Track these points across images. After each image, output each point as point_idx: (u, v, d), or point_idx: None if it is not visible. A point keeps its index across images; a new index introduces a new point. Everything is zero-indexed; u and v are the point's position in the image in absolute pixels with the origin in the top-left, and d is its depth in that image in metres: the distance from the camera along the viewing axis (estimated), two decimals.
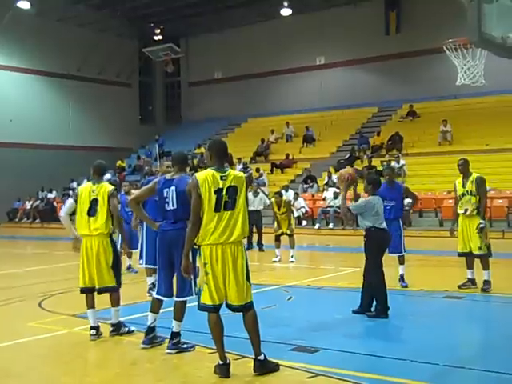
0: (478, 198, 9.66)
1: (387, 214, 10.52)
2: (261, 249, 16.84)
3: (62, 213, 8.01)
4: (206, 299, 5.71)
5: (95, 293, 7.31)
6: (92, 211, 7.25)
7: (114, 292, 7.31)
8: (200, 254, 5.73)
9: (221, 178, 5.68)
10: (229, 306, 5.76)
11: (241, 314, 5.79)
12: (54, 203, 33.42)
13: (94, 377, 6.09)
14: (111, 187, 7.35)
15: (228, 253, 5.65)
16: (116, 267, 7.28)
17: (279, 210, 14.52)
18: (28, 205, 33.82)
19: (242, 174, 5.96)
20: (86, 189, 7.44)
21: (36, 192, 34.35)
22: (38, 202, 33.68)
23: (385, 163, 25.99)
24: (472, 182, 9.72)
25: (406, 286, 10.33)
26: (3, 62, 34.45)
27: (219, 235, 5.62)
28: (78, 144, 36.53)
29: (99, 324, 7.31)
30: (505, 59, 7.65)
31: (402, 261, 10.51)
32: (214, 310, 5.72)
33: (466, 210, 9.72)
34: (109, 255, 7.22)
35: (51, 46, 34.95)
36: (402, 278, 10.48)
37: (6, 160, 33.15)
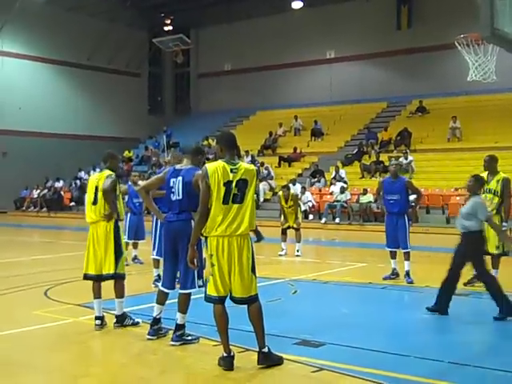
0: (500, 198, 9.53)
1: (391, 207, 10.52)
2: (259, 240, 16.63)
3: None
4: (211, 290, 5.72)
5: (101, 282, 7.31)
6: (95, 200, 7.31)
7: (117, 281, 7.29)
8: (206, 246, 5.73)
9: (231, 170, 5.66)
10: (232, 299, 5.76)
11: (245, 306, 5.78)
12: (61, 192, 33.51)
13: (99, 366, 6.11)
14: (109, 172, 7.36)
15: (234, 245, 5.64)
16: (116, 256, 7.21)
17: (286, 203, 14.50)
18: (35, 193, 33.91)
19: (253, 166, 5.95)
20: (91, 178, 7.64)
21: (44, 182, 34.40)
22: (45, 191, 33.75)
23: (393, 159, 25.90)
24: (498, 181, 9.53)
25: (412, 282, 10.32)
26: (13, 50, 34.50)
27: (226, 227, 5.61)
28: (86, 133, 36.60)
29: (104, 314, 7.31)
30: None
31: (407, 257, 10.49)
32: (220, 301, 5.72)
33: None
34: (110, 243, 7.20)
35: (61, 35, 34.95)
36: (407, 274, 10.47)
37: (14, 148, 33.26)
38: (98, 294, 7.30)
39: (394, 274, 10.68)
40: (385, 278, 10.64)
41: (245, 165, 5.82)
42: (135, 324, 7.32)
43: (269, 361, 5.79)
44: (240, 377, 5.64)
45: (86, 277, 7.35)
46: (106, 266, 7.21)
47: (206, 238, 5.72)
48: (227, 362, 5.72)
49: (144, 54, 41.28)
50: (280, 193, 14.94)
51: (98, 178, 7.41)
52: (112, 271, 7.20)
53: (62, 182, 34.59)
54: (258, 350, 5.82)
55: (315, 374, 5.60)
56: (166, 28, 38.43)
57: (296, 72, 36.03)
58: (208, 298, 5.78)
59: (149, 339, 6.74)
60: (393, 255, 10.73)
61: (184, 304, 6.56)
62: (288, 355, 6.02)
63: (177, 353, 6.35)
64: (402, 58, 32.51)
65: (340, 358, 6.02)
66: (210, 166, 5.71)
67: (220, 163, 5.70)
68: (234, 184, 5.64)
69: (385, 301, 9.34)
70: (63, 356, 6.43)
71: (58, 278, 10.91)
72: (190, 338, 6.60)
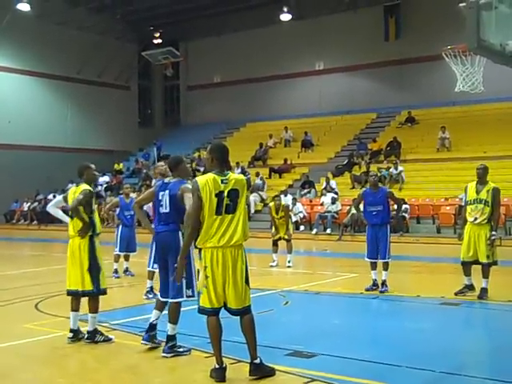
0: (491, 208, 9.60)
1: (374, 219, 10.53)
2: None
3: (49, 207, 8.21)
4: (205, 302, 5.72)
5: (80, 297, 7.25)
6: (72, 214, 7.28)
7: (91, 297, 7.18)
8: (200, 258, 5.73)
9: (222, 181, 5.68)
10: (228, 310, 5.76)
11: (238, 317, 5.78)
12: None
13: (89, 380, 6.08)
14: (84, 187, 7.26)
15: (229, 256, 5.65)
16: (92, 272, 7.12)
17: (277, 214, 14.51)
18: (25, 206, 33.77)
19: (242, 176, 5.99)
20: (70, 191, 7.57)
21: (34, 195, 34.24)
22: (35, 204, 33.61)
23: (382, 169, 26.06)
24: (488, 191, 9.59)
25: (386, 291, 10.29)
26: (2, 64, 34.39)
27: (220, 238, 5.62)
28: (77, 146, 36.45)
29: (79, 327, 7.25)
30: (503, 67, 7.66)
31: (386, 267, 10.48)
32: (214, 313, 5.73)
33: (475, 219, 9.67)
34: (84, 259, 7.12)
35: (51, 49, 34.91)
36: (384, 284, 10.43)
37: (4, 161, 33.10)
38: (75, 307, 7.23)
39: (375, 285, 10.60)
40: (367, 290, 10.55)
41: (235, 175, 5.85)
42: (107, 340, 7.14)
43: (261, 372, 5.78)
44: None
45: (68, 293, 7.31)
46: (84, 282, 7.12)
47: (200, 249, 5.72)
48: (219, 374, 5.70)
49: (134, 67, 41.32)
50: (271, 204, 14.95)
51: (75, 192, 7.33)
52: (91, 288, 7.10)
53: (51, 195, 34.40)
54: (249, 361, 5.81)
55: None
56: (155, 41, 38.48)
57: (285, 84, 36.15)
58: (202, 310, 5.77)
59: (142, 343, 6.75)
60: (373, 266, 10.68)
61: (174, 314, 6.57)
62: (280, 366, 6.01)
63: (168, 364, 6.34)
64: (390, 69, 32.69)
65: (332, 368, 6.02)
66: (200, 179, 5.71)
67: (210, 175, 5.72)
68: (225, 194, 5.65)
69: (376, 311, 9.36)
70: (54, 369, 6.40)
71: (49, 290, 10.85)
72: (181, 349, 6.59)
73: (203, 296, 5.72)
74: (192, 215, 5.70)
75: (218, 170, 5.77)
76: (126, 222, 12.89)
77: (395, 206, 11.85)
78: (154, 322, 6.84)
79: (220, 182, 5.67)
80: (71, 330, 7.21)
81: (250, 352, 5.79)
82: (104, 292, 7.29)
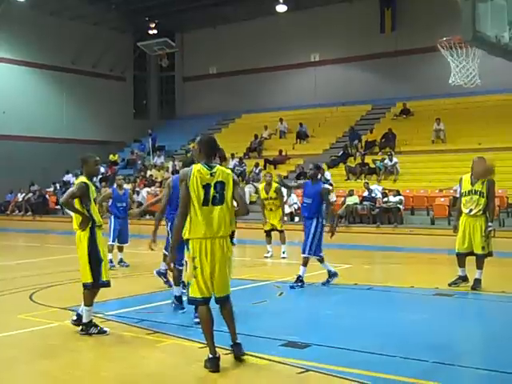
0: (486, 200, 9.60)
1: (303, 211, 10.43)
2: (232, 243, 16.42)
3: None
4: (195, 292, 5.80)
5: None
6: None
7: (86, 289, 7.14)
8: (188, 249, 5.81)
9: (210, 174, 5.82)
10: (215, 299, 5.91)
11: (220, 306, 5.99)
12: (46, 196, 33.32)
13: (84, 370, 6.09)
14: (80, 180, 7.24)
15: (217, 246, 5.80)
16: (91, 264, 7.08)
17: (267, 193, 14.01)
18: (20, 197, 33.69)
19: (229, 170, 6.10)
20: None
21: (29, 185, 34.16)
22: (30, 195, 33.55)
23: (377, 161, 26.11)
24: (483, 183, 9.61)
25: (293, 288, 10.09)
26: None
27: (209, 229, 5.75)
28: (72, 137, 36.33)
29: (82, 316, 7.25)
30: (498, 58, 7.68)
31: (305, 262, 10.26)
32: (204, 302, 5.82)
33: (470, 210, 9.69)
34: (84, 250, 7.09)
35: (45, 39, 34.75)
36: (299, 279, 10.25)
37: None
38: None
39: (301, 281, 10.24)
40: (292, 287, 10.16)
41: (222, 168, 5.96)
42: (102, 333, 7.10)
43: (243, 349, 6.00)
44: (227, 379, 5.66)
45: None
46: (82, 275, 7.13)
47: (188, 240, 5.80)
48: (213, 364, 5.74)
49: (129, 58, 41.15)
50: (261, 185, 14.54)
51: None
52: (89, 281, 7.08)
53: (52, 186, 34.35)
54: (231, 343, 6.01)
55: (301, 375, 5.62)
56: (150, 32, 38.29)
57: (281, 75, 36.09)
58: (192, 301, 5.89)
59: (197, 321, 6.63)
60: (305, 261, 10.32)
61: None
62: (274, 357, 6.04)
63: (161, 355, 6.35)
64: (385, 61, 32.66)
65: (326, 359, 6.04)
66: (190, 169, 5.86)
67: (198, 166, 5.86)
68: (212, 186, 5.79)
69: (370, 302, 9.38)
70: (49, 360, 6.40)
71: (44, 281, 10.85)
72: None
73: (193, 286, 5.81)
74: (180, 203, 5.84)
75: (205, 161, 5.89)
76: (119, 213, 12.92)
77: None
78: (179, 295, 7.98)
79: (208, 173, 5.81)
80: (77, 314, 7.27)
81: (232, 336, 6.01)
82: (107, 284, 7.25)
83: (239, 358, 5.97)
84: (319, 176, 11.17)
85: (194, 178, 5.76)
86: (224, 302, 5.95)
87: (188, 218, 5.78)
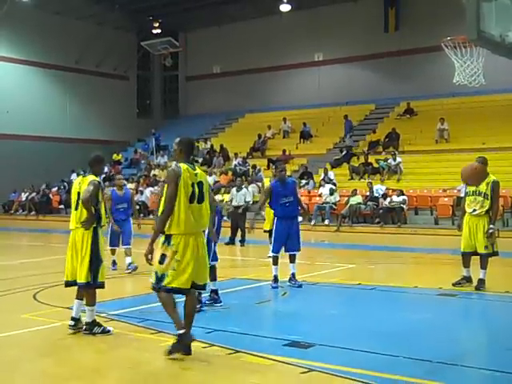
0: (490, 201, 9.57)
1: (287, 210, 10.18)
2: (242, 244, 16.49)
3: None
4: (175, 283, 6.04)
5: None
6: (77, 205, 7.19)
7: (88, 289, 7.12)
8: (170, 243, 6.05)
9: (195, 174, 6.20)
10: (194, 286, 6.16)
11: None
12: (50, 195, 33.36)
13: (87, 369, 6.09)
14: (92, 178, 7.16)
15: (198, 240, 6.18)
16: (92, 264, 7.04)
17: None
18: (24, 197, 33.73)
19: (203, 170, 6.43)
20: (75, 182, 7.51)
21: (31, 184, 34.18)
22: (33, 194, 33.58)
23: (380, 161, 26.08)
24: (488, 184, 9.58)
25: (300, 286, 10.13)
26: (1, 54, 34.27)
27: (193, 225, 6.11)
28: (75, 136, 36.39)
29: (80, 317, 7.24)
30: (502, 58, 7.65)
31: (294, 259, 10.31)
32: (180, 292, 6.15)
33: (474, 210, 9.66)
34: (87, 251, 7.04)
35: (49, 38, 34.77)
36: (293, 276, 10.28)
37: (3, 151, 32.98)
38: (80, 296, 7.19)
39: (277, 281, 10.22)
40: (273, 287, 10.12)
41: (200, 168, 6.43)
42: (105, 332, 7.09)
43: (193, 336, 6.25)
44: (230, 379, 5.65)
45: (66, 284, 7.28)
46: (79, 274, 7.07)
47: (170, 235, 6.04)
48: (184, 339, 5.99)
49: (132, 57, 41.17)
50: (267, 183, 13.91)
51: (81, 183, 7.23)
52: (87, 280, 7.02)
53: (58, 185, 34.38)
54: (181, 332, 6.08)
55: (304, 376, 5.62)
56: (154, 31, 38.32)
57: (285, 74, 36.07)
58: (170, 289, 6.09)
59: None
60: (277, 261, 10.32)
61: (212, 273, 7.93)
62: (277, 356, 6.03)
63: (145, 355, 6.30)
64: (389, 61, 32.62)
65: (329, 358, 6.04)
66: (180, 168, 6.12)
67: (186, 166, 6.15)
68: (196, 185, 6.17)
69: (374, 302, 9.37)
70: (52, 359, 6.41)
71: (47, 281, 10.86)
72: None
73: (172, 277, 6.02)
74: (168, 201, 6.05)
75: (185, 161, 6.18)
76: (118, 215, 12.26)
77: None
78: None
79: (194, 174, 6.16)
80: (72, 318, 7.19)
81: (187, 327, 6.13)
82: (101, 285, 7.19)
83: (188, 346, 6.07)
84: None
85: (184, 176, 6.06)
86: (201, 289, 6.42)
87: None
